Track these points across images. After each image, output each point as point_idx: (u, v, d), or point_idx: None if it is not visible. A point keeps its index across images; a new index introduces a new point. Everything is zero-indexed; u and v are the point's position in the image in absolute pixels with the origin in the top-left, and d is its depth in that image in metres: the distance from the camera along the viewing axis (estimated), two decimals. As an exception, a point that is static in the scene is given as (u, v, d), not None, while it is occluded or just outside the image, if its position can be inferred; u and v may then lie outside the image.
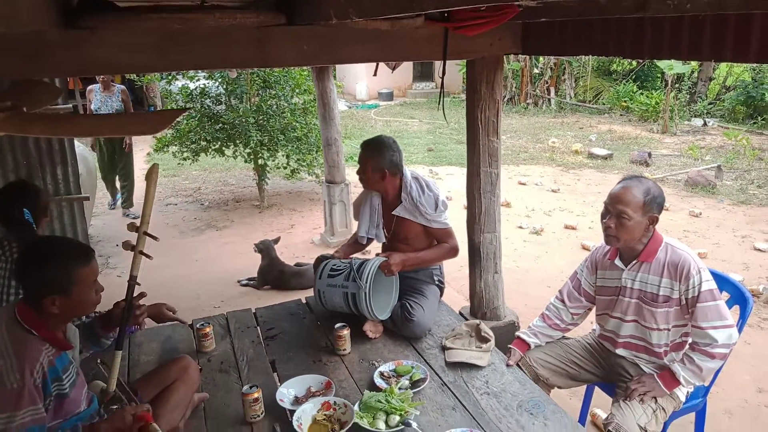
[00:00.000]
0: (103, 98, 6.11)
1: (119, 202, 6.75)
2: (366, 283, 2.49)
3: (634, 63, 13.88)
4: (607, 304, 2.39)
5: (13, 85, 1.40)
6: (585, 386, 2.71)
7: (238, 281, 4.80)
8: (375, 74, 2.72)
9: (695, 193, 7.13)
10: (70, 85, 11.72)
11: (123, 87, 6.25)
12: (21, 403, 1.56)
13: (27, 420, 1.57)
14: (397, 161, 2.75)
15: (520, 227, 6.05)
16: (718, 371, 2.31)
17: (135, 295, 2.12)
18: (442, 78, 2.23)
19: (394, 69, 3.43)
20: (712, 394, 3.03)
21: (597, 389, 2.62)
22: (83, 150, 5.57)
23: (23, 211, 2.44)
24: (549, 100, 14.03)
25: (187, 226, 6.37)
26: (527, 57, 13.92)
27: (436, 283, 2.88)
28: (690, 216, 6.25)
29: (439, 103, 2.32)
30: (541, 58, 14.04)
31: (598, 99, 13.82)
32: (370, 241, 3.01)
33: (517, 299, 4.31)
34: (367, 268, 2.55)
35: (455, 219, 3.08)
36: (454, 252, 2.83)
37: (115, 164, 6.46)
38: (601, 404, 2.78)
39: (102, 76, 5.84)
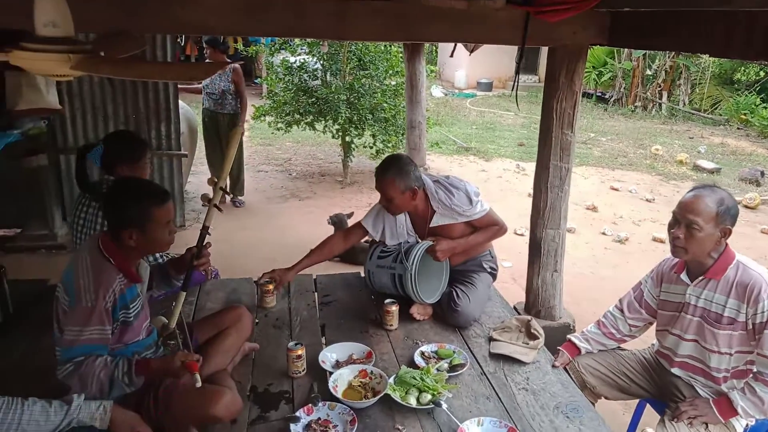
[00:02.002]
0: (215, 77, 5.62)
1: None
2: (412, 264, 2.51)
3: (762, 73, 12.65)
4: (668, 320, 2.26)
5: (102, 35, 1.57)
6: (637, 402, 2.60)
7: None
8: (452, 55, 2.70)
9: (811, 220, 6.45)
10: (187, 50, 12.56)
11: (237, 67, 5.75)
12: (91, 320, 1.75)
13: (94, 337, 1.76)
14: (419, 174, 2.65)
15: (604, 233, 5.79)
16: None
17: (204, 243, 2.28)
18: (518, 64, 2.19)
19: (471, 51, 3.38)
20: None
21: (650, 407, 2.50)
22: (187, 110, 5.97)
23: (92, 151, 2.63)
24: (660, 104, 13.15)
25: (273, 193, 6.69)
26: (641, 57, 13.11)
27: (488, 270, 2.83)
28: (799, 244, 5.68)
29: (512, 89, 2.28)
30: (657, 60, 13.16)
31: (715, 109, 12.76)
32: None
33: (585, 306, 4.16)
34: (414, 250, 2.57)
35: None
36: (501, 231, 2.76)
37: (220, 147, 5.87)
38: (655, 424, 2.65)
39: (217, 54, 5.48)
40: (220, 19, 2.15)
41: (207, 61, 5.82)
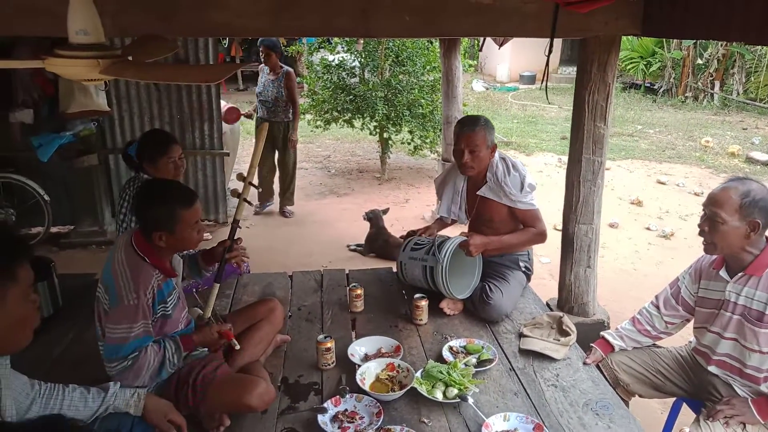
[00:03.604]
0: (266, 80, 5.42)
1: (268, 207, 5.89)
2: (444, 257, 2.52)
3: (826, 59, 11.91)
4: (707, 318, 2.19)
5: (135, 40, 1.65)
6: (674, 401, 2.53)
7: (348, 246, 5.06)
8: (480, 49, 2.69)
9: None
10: (232, 52, 12.88)
11: (289, 70, 5.47)
12: (137, 316, 1.85)
13: (141, 331, 1.86)
14: None
15: (648, 228, 5.62)
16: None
17: (236, 237, 2.36)
18: (548, 56, 2.16)
19: (501, 45, 3.33)
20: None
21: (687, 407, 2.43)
22: (229, 110, 6.13)
23: (129, 148, 2.81)
24: (712, 94, 12.59)
25: (312, 190, 6.80)
26: (692, 46, 12.58)
27: (522, 269, 2.81)
28: None
29: (542, 82, 2.25)
30: (709, 48, 12.60)
31: (774, 98, 12.11)
32: (453, 221, 3.01)
33: (625, 303, 4.06)
34: (447, 244, 2.58)
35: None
36: (540, 237, 2.73)
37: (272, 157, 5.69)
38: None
39: (271, 57, 5.29)
40: (249, 21, 2.22)
41: (261, 65, 5.50)
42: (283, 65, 5.47)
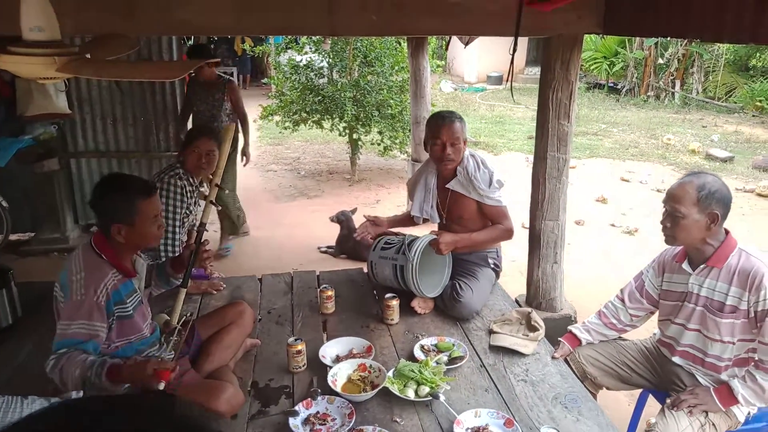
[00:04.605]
0: (201, 93, 4.57)
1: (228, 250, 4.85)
2: (414, 256, 2.53)
3: (778, 59, 12.38)
4: (671, 310, 2.24)
5: (94, 38, 1.60)
6: (640, 393, 2.59)
7: (318, 248, 5.02)
8: (446, 48, 2.70)
9: (827, 207, 6.32)
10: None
11: (230, 80, 4.74)
12: (78, 314, 1.78)
13: (80, 331, 1.77)
14: None
15: (613, 225, 5.74)
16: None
17: (203, 240, 2.31)
18: (513, 55, 2.18)
19: (467, 44, 3.37)
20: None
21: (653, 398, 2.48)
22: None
23: None
24: (673, 93, 12.96)
25: (282, 192, 6.73)
26: (653, 46, 12.93)
27: (491, 266, 2.84)
28: (814, 232, 5.57)
29: (507, 81, 2.28)
30: (670, 48, 12.97)
31: (730, 96, 12.54)
32: (425, 221, 3.01)
33: (591, 297, 4.12)
34: (417, 242, 2.59)
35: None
36: (508, 234, 2.77)
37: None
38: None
39: (203, 68, 4.40)
40: (212, 19, 2.20)
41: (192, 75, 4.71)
42: (221, 75, 4.75)
